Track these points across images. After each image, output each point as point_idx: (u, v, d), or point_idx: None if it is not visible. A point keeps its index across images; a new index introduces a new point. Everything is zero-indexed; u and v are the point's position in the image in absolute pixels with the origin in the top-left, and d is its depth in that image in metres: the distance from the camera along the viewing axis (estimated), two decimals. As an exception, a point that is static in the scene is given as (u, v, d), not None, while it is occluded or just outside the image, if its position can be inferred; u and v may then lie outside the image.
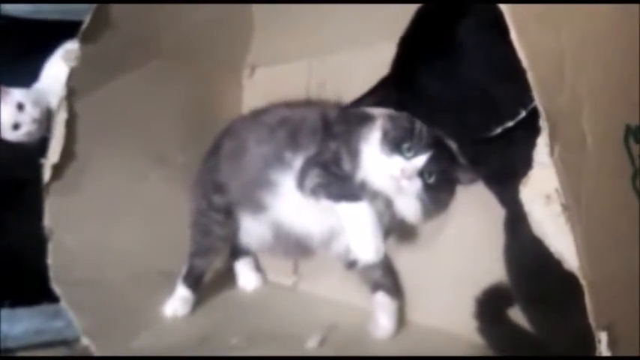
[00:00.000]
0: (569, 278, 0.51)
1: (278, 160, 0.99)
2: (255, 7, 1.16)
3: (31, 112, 1.11)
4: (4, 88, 1.10)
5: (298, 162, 0.97)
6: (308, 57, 1.17)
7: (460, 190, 0.94)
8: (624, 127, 0.59)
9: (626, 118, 0.60)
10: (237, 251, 1.21)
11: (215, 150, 1.15)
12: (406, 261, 1.03)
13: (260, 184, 1.01)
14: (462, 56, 0.71)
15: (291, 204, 0.99)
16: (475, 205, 0.92)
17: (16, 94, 1.11)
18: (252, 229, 1.09)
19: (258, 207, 1.03)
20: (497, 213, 0.80)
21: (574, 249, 0.49)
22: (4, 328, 1.12)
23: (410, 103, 0.80)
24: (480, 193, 0.86)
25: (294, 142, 0.99)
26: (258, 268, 1.24)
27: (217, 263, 1.17)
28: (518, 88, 0.53)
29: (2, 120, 1.10)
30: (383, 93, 0.82)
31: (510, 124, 0.67)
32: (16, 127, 1.11)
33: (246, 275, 1.21)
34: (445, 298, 0.97)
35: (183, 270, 1.09)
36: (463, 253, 0.95)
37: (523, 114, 0.65)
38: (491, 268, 0.83)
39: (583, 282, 0.49)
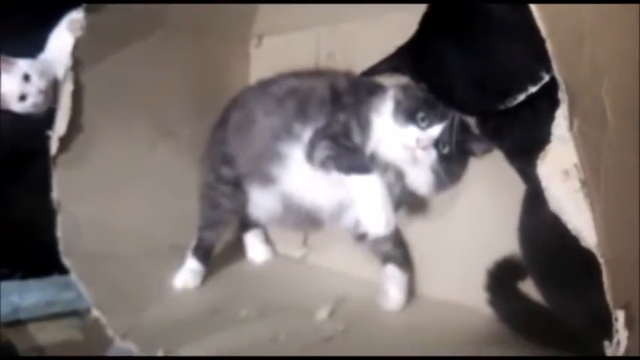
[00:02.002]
0: (586, 255, 0.49)
1: (287, 132, 0.98)
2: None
3: (38, 83, 1.10)
4: (10, 59, 1.08)
5: (307, 134, 0.96)
6: (316, 26, 1.14)
7: (472, 162, 0.93)
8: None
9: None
10: (246, 223, 1.20)
11: (223, 122, 1.13)
12: (417, 233, 1.02)
13: (269, 157, 1.00)
14: (484, 23, 0.68)
15: (300, 176, 0.98)
16: (487, 177, 0.91)
17: (22, 64, 1.10)
18: (261, 202, 1.08)
19: (266, 179, 1.02)
20: (508, 185, 0.79)
21: (592, 226, 0.47)
22: (16, 300, 1.13)
23: (427, 74, 0.78)
24: (492, 164, 0.85)
25: (302, 113, 0.98)
26: (268, 240, 1.23)
27: (227, 235, 1.17)
28: (542, 52, 0.50)
29: (9, 91, 1.09)
30: (399, 61, 0.80)
31: (533, 89, 0.65)
32: (22, 98, 1.10)
33: (255, 247, 1.20)
34: (456, 271, 0.96)
35: (193, 242, 1.08)
36: (474, 225, 0.94)
37: (546, 78, 0.63)
38: (502, 240, 0.82)
39: (601, 260, 0.47)
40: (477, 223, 0.94)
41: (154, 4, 1.05)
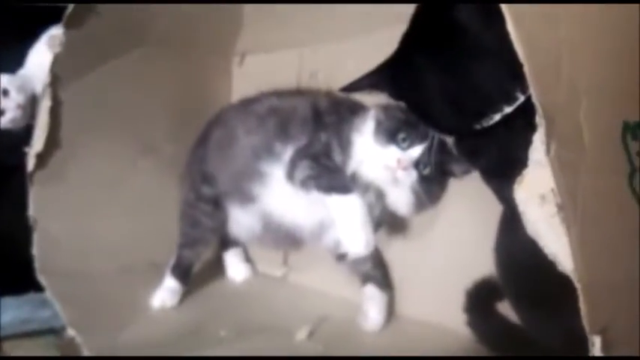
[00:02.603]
0: (563, 278, 0.49)
1: (267, 151, 0.97)
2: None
3: (16, 98, 1.09)
4: None
5: (288, 153, 0.95)
6: (299, 46, 1.14)
7: (451, 183, 0.93)
8: (622, 124, 0.58)
9: (624, 114, 0.59)
10: (226, 242, 1.19)
11: (203, 139, 1.12)
12: (396, 253, 1.02)
13: (249, 175, 0.99)
14: (462, 42, 0.68)
15: (280, 195, 0.97)
16: (466, 198, 0.91)
17: (1, 79, 1.08)
18: (241, 220, 1.07)
19: (247, 198, 1.01)
20: (488, 206, 0.79)
21: (569, 251, 0.47)
22: (-8, 318, 1.11)
23: (405, 92, 0.79)
24: (471, 185, 0.85)
25: (283, 132, 0.97)
26: (248, 259, 1.22)
27: (206, 254, 1.15)
28: (518, 72, 0.51)
29: None
30: (379, 78, 0.81)
31: (509, 110, 0.65)
32: (0, 113, 1.08)
33: (235, 266, 1.19)
34: (435, 291, 0.96)
35: (172, 261, 1.07)
36: (454, 246, 0.94)
37: (522, 99, 0.63)
38: (481, 261, 0.82)
39: (578, 285, 0.47)
40: (456, 243, 0.94)
41: (136, 20, 1.04)
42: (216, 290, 1.14)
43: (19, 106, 1.09)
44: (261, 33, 1.21)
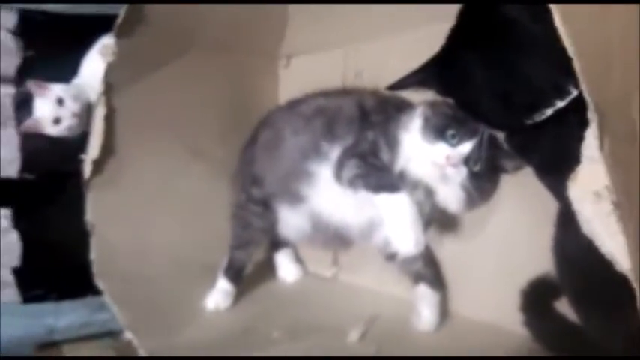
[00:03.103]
0: (622, 277, 0.48)
1: (315, 151, 0.98)
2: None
3: (71, 107, 1.12)
4: (43, 83, 1.11)
5: (335, 152, 0.95)
6: (344, 45, 1.14)
7: (503, 179, 0.91)
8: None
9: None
10: (276, 243, 1.20)
11: (252, 142, 1.14)
12: (449, 252, 1.01)
13: (297, 176, 1.00)
14: (512, 37, 0.67)
15: (329, 195, 0.97)
16: (519, 195, 0.89)
17: (56, 88, 1.11)
18: (290, 221, 1.07)
19: (295, 198, 1.02)
20: (542, 202, 0.78)
21: (625, 250, 0.46)
22: (51, 321, 1.15)
23: (454, 88, 0.78)
24: (525, 182, 0.83)
25: (330, 132, 0.98)
26: (298, 259, 1.23)
27: (257, 255, 1.16)
28: (570, 66, 0.50)
29: (43, 115, 1.11)
30: (426, 75, 0.80)
31: (561, 104, 0.64)
32: (56, 121, 1.12)
33: (286, 266, 1.20)
34: (489, 290, 0.95)
35: (224, 262, 1.08)
36: (507, 243, 0.93)
37: (574, 93, 0.61)
38: (536, 259, 0.81)
39: (635, 284, 0.46)
40: (509, 241, 0.92)
41: (184, 27, 1.06)
42: (268, 291, 1.15)
43: (74, 115, 1.12)
44: (306, 34, 1.21)
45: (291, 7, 1.14)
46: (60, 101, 1.12)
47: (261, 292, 1.14)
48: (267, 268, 1.21)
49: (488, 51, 0.70)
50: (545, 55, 0.63)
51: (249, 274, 1.13)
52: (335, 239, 1.04)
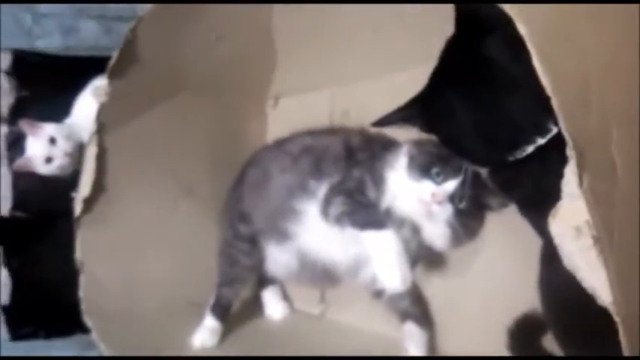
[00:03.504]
0: (605, 311, 0.48)
1: (302, 189, 0.98)
2: (277, 37, 1.16)
3: (63, 146, 1.11)
4: (36, 123, 1.11)
5: (322, 190, 0.96)
6: (331, 86, 1.16)
7: (489, 217, 0.92)
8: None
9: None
10: (263, 280, 1.18)
11: (240, 180, 1.14)
12: (435, 289, 1.00)
13: (284, 213, 1.00)
14: (493, 76, 0.68)
15: (316, 232, 0.97)
16: (505, 231, 0.90)
17: (48, 128, 1.11)
18: (277, 258, 1.07)
19: (283, 236, 1.01)
20: (527, 239, 0.77)
21: (607, 284, 0.46)
22: (40, 358, 1.13)
23: (437, 125, 0.79)
24: (510, 219, 0.83)
25: (317, 170, 0.98)
26: (285, 296, 1.21)
27: (245, 292, 1.15)
28: (549, 104, 0.50)
29: (35, 154, 1.10)
30: (410, 112, 0.81)
31: (542, 141, 0.65)
32: (48, 160, 1.11)
33: (273, 304, 1.18)
34: (476, 327, 0.94)
35: (211, 300, 1.07)
36: (493, 280, 0.93)
37: (555, 130, 0.62)
38: (523, 295, 0.80)
39: (617, 318, 0.45)
40: (495, 278, 0.92)
41: (174, 69, 1.08)
42: (255, 329, 1.13)
43: (66, 154, 1.11)
44: (294, 76, 1.23)
45: (280, 49, 1.16)
46: (52, 140, 1.11)
47: (248, 329, 1.12)
48: (254, 306, 1.19)
49: (469, 89, 0.71)
50: (525, 94, 0.63)
51: (236, 312, 1.12)
52: (322, 277, 1.03)
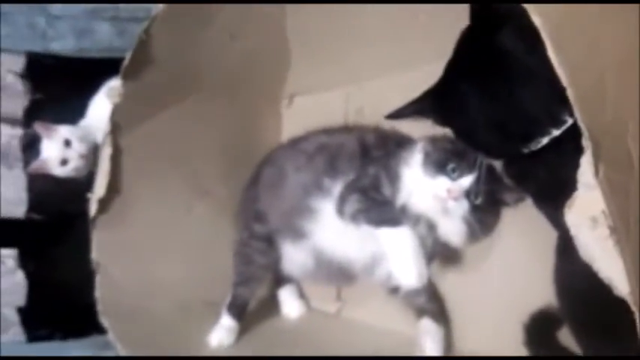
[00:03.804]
0: (623, 304, 0.48)
1: (317, 187, 0.99)
2: (291, 37, 1.17)
3: (78, 148, 1.13)
4: (51, 125, 1.12)
5: (337, 188, 0.97)
6: (345, 84, 1.16)
7: (505, 212, 0.92)
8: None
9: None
10: (280, 279, 1.19)
11: (255, 179, 1.15)
12: (452, 286, 1.01)
13: (299, 212, 1.01)
14: (508, 68, 0.69)
15: (331, 230, 0.98)
16: (521, 227, 0.90)
17: (63, 130, 1.13)
18: (293, 257, 1.08)
19: (298, 234, 1.02)
20: (544, 235, 0.78)
21: (624, 274, 0.46)
22: (55, 361, 1.14)
23: (451, 117, 0.80)
24: (526, 215, 0.84)
25: (332, 168, 0.99)
26: (302, 295, 1.22)
27: (261, 291, 1.16)
28: (564, 95, 0.51)
29: (50, 156, 1.13)
30: (424, 104, 0.82)
31: (557, 133, 0.65)
32: (63, 162, 1.13)
33: (289, 303, 1.19)
34: (493, 324, 0.94)
35: (228, 299, 1.08)
36: (510, 276, 0.93)
37: (570, 122, 0.63)
38: (539, 290, 0.81)
39: (634, 308, 0.46)
40: (512, 274, 0.93)
41: (189, 69, 1.09)
42: (272, 328, 1.14)
43: (81, 156, 1.13)
44: (308, 75, 1.23)
45: (294, 48, 1.17)
46: (67, 143, 1.13)
47: (265, 328, 1.13)
48: (271, 304, 1.20)
49: (484, 82, 0.72)
50: (540, 85, 0.64)
51: (253, 311, 1.12)
52: (338, 275, 1.04)
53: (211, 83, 1.15)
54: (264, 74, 1.24)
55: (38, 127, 1.13)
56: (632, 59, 0.59)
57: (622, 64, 0.57)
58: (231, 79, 1.17)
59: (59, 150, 1.12)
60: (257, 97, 1.28)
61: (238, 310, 1.07)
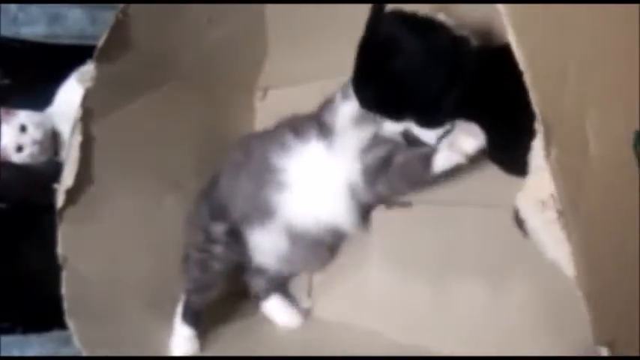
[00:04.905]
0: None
1: (281, 147, 1.01)
2: (269, 26, 1.20)
3: (33, 134, 1.14)
4: (10, 110, 1.13)
5: (301, 146, 1.00)
6: (320, 78, 1.17)
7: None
8: (634, 134, 0.59)
9: (636, 124, 0.60)
10: (264, 290, 1.18)
11: (213, 180, 1.15)
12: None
13: (265, 182, 1.02)
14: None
15: (300, 194, 1.00)
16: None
17: (21, 115, 1.14)
18: (264, 243, 1.07)
19: (266, 212, 1.02)
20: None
21: (570, 257, 0.48)
22: (16, 354, 1.15)
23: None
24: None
25: (294, 129, 1.02)
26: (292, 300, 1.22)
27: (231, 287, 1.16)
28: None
29: (7, 142, 1.13)
30: None
31: None
32: (19, 149, 1.14)
33: (282, 313, 1.18)
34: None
35: (180, 308, 1.07)
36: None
37: None
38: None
39: (579, 293, 0.48)
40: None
41: (163, 56, 1.10)
42: (242, 330, 1.16)
43: (35, 142, 1.14)
44: (283, 67, 1.26)
45: (271, 39, 1.18)
46: (22, 128, 1.14)
47: (233, 331, 1.15)
48: (240, 306, 1.21)
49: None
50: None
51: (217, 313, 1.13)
52: (314, 252, 1.06)
53: (186, 71, 1.16)
54: (240, 64, 1.26)
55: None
56: (599, 42, 0.61)
57: (588, 48, 0.59)
58: (207, 67, 1.19)
59: (14, 135, 1.13)
60: (231, 87, 1.29)
61: (193, 317, 1.06)
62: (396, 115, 0.86)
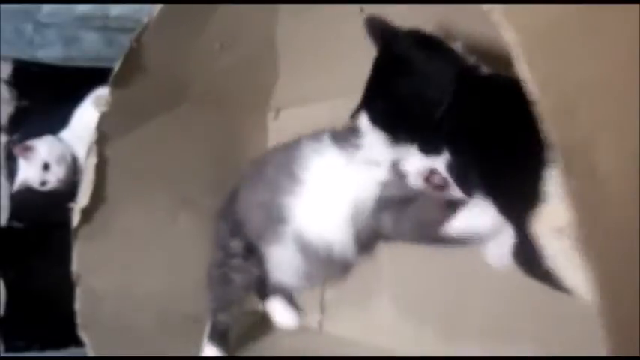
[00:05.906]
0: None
1: (297, 154, 1.02)
2: (280, 48, 1.21)
3: (57, 172, 1.16)
4: (28, 145, 1.14)
5: (317, 149, 1.01)
6: (332, 97, 1.19)
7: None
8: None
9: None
10: (265, 292, 1.19)
11: (231, 198, 1.16)
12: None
13: (278, 188, 1.01)
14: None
15: (312, 208, 0.99)
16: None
17: (41, 151, 1.15)
18: (279, 259, 1.06)
19: (279, 222, 1.01)
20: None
21: (587, 284, 0.48)
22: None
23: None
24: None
25: (310, 138, 1.03)
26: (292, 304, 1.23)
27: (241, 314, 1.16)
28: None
29: (30, 178, 1.15)
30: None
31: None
32: (43, 184, 1.15)
33: (281, 312, 1.19)
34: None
35: (208, 328, 1.08)
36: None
37: None
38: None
39: (599, 319, 0.48)
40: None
41: (177, 79, 1.12)
42: (251, 344, 1.16)
43: (59, 180, 1.15)
44: (295, 88, 1.27)
45: (282, 60, 1.19)
46: (45, 167, 1.15)
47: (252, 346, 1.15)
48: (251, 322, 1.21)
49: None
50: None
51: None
52: (327, 266, 1.04)
53: (199, 94, 1.17)
54: (252, 86, 1.28)
55: (16, 150, 1.15)
56: (608, 70, 0.62)
57: (597, 73, 0.59)
58: (219, 90, 1.20)
59: (38, 173, 1.15)
60: (244, 109, 1.31)
61: (221, 337, 1.06)
62: (398, 134, 0.86)
